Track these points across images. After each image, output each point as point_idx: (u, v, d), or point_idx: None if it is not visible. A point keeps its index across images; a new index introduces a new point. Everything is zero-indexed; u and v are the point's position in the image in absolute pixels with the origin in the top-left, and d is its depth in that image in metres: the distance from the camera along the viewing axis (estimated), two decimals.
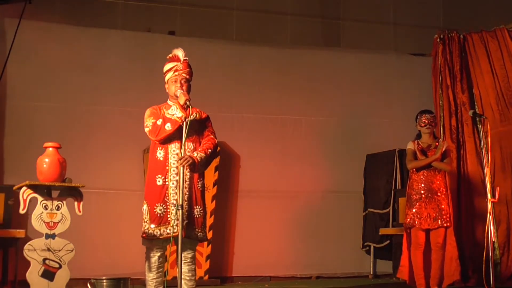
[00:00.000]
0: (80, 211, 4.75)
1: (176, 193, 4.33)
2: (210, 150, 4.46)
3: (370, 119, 8.50)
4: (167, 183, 4.39)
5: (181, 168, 4.24)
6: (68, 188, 4.74)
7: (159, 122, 4.39)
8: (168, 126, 4.36)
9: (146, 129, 4.45)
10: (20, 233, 6.40)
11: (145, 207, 4.46)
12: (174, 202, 4.31)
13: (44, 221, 4.64)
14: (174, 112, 4.37)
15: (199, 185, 4.48)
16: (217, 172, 7.49)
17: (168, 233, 4.34)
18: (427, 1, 9.23)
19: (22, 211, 4.62)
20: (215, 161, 7.42)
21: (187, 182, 4.38)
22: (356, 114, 8.45)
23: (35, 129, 7.18)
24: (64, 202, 4.74)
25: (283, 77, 8.31)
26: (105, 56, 7.69)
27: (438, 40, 7.52)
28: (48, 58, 7.44)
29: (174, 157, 4.41)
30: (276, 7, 8.81)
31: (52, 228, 4.66)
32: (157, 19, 8.33)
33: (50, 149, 4.74)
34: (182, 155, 4.25)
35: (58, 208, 4.69)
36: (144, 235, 4.43)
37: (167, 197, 4.39)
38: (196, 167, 4.36)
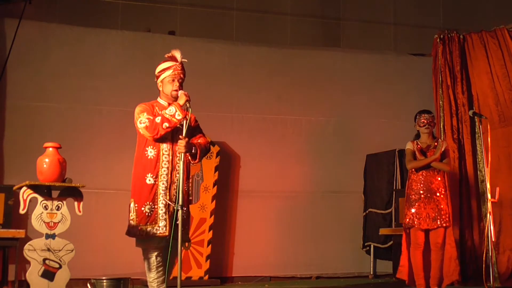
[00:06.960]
0: (80, 211, 4.76)
1: (166, 194, 4.37)
2: (208, 145, 4.65)
3: (370, 119, 8.49)
4: (157, 182, 4.40)
5: (181, 166, 4.25)
6: (68, 188, 4.75)
7: (158, 119, 4.37)
8: (166, 126, 4.35)
9: (142, 125, 4.38)
10: (20, 233, 6.40)
11: (132, 205, 4.45)
12: (164, 202, 4.35)
13: (44, 221, 4.65)
14: (173, 112, 4.37)
15: (186, 188, 4.49)
16: (217, 172, 7.50)
17: (154, 233, 4.35)
18: (427, 1, 9.22)
19: (22, 211, 4.63)
20: (215, 161, 7.44)
21: (175, 184, 4.40)
22: (356, 114, 8.45)
23: (35, 129, 7.18)
24: (64, 202, 4.75)
25: (283, 77, 8.30)
26: (105, 56, 7.68)
27: (438, 40, 7.53)
28: (48, 58, 7.44)
29: (166, 157, 4.43)
30: (276, 7, 8.80)
31: (52, 228, 4.67)
32: (157, 19, 8.33)
33: (50, 149, 4.75)
34: (184, 144, 4.29)
35: (58, 208, 4.70)
36: (128, 233, 4.45)
37: (157, 197, 4.40)
38: (198, 155, 4.47)
